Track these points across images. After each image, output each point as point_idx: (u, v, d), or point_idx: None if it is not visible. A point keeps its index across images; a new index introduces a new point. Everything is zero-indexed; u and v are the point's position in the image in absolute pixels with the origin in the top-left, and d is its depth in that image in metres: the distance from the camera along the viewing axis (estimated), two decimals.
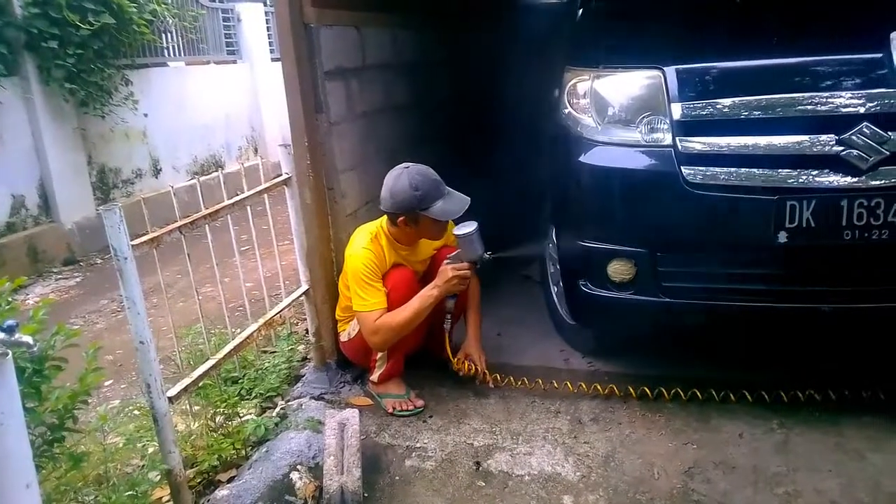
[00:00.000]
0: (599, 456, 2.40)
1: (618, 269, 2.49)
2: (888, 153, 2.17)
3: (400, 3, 3.74)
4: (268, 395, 2.82)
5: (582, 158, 2.53)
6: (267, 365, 2.96)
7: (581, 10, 3.04)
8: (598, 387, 2.72)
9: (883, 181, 2.18)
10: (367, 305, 2.63)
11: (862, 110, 2.20)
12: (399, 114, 3.77)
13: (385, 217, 2.73)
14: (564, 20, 3.26)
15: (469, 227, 2.61)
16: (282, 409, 2.76)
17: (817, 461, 2.28)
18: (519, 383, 2.80)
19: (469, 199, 2.67)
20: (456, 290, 2.72)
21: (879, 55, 2.22)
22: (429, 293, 2.64)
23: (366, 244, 2.67)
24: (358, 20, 3.24)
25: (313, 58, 2.80)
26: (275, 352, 3.10)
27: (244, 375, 2.87)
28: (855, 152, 2.18)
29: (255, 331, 2.59)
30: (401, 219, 2.63)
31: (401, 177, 2.60)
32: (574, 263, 2.72)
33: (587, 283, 2.63)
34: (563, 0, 3.59)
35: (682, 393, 2.61)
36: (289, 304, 2.84)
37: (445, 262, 2.66)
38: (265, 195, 2.70)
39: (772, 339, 2.86)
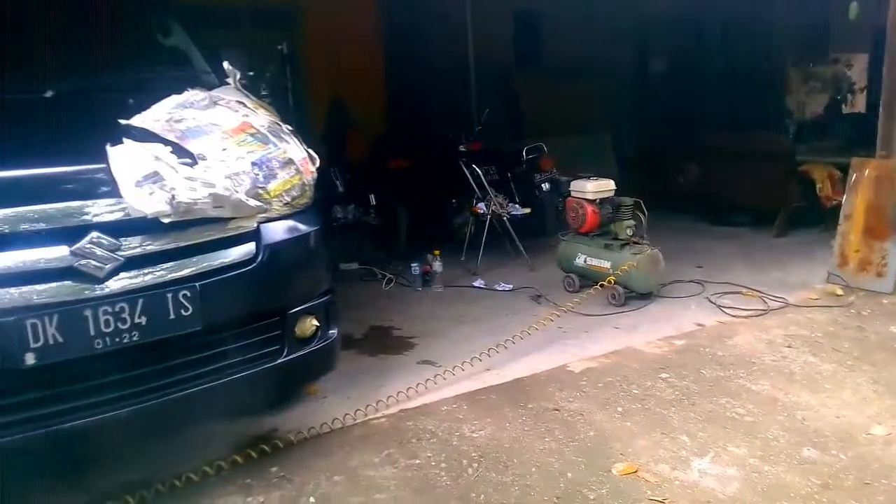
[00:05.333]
0: None
1: None
2: (123, 259, 2.26)
3: None
4: None
5: None
6: None
7: None
8: None
9: (122, 286, 2.25)
10: None
11: (92, 220, 2.23)
12: None
13: None
14: None
15: None
16: None
17: None
18: None
19: None
20: None
21: (100, 166, 2.29)
22: None
23: None
24: None
25: None
26: None
27: None
28: (91, 262, 2.20)
29: None
30: None
31: None
32: None
33: None
34: None
35: None
36: None
37: None
38: None
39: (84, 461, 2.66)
